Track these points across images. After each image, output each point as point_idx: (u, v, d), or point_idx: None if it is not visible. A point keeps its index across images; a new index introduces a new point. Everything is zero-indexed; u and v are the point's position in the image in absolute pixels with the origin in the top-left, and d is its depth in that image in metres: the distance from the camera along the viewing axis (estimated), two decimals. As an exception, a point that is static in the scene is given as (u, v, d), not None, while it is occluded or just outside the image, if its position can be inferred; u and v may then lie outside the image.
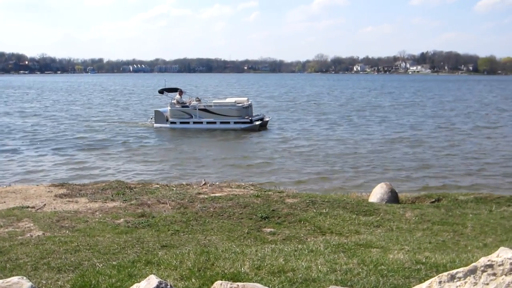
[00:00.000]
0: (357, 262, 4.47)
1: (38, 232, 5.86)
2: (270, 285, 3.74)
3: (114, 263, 4.55)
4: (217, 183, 9.71)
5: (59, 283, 4.03)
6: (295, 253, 4.85)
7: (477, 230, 6.35)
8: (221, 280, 3.88)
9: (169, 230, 6.11)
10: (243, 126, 24.30)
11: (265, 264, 4.38)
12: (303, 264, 4.38)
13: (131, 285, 3.67)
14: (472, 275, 3.73)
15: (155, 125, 25.48)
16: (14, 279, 3.18)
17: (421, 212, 7.25)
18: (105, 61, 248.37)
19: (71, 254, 4.88)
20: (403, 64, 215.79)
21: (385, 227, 6.50)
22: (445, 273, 3.81)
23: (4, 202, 7.93)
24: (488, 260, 3.73)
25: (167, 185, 9.48)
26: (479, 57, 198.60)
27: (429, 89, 75.61)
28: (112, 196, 8.25)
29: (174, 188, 8.86)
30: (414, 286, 3.96)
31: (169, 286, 3.16)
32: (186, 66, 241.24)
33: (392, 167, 15.74)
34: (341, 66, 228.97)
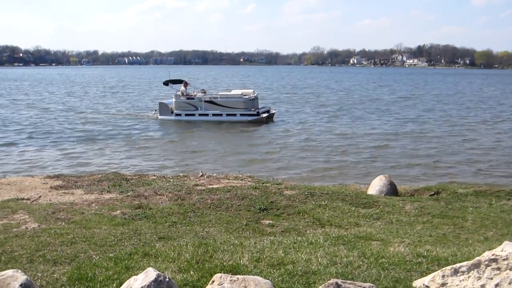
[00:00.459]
0: (357, 254, 4.42)
1: (33, 224, 5.77)
2: (270, 278, 3.67)
3: (111, 255, 4.48)
4: (215, 174, 9.63)
5: (55, 275, 3.95)
6: (295, 245, 4.79)
7: (478, 224, 6.30)
8: (220, 272, 3.82)
9: (166, 222, 6.03)
10: (249, 118, 24.10)
11: (264, 256, 4.32)
12: (302, 256, 4.33)
13: (129, 277, 3.59)
14: (476, 269, 3.68)
15: (160, 117, 25.26)
16: (9, 272, 3.10)
17: (421, 205, 7.19)
18: (100, 53, 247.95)
19: (67, 246, 4.80)
20: (399, 57, 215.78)
21: (384, 219, 6.45)
22: (448, 267, 3.76)
23: (-1, 193, 7.82)
24: (492, 255, 3.68)
25: (164, 176, 9.38)
26: (476, 50, 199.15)
27: (428, 82, 75.62)
28: (108, 187, 8.17)
29: (171, 180, 8.77)
30: (416, 279, 3.91)
31: (167, 279, 3.09)
32: (182, 58, 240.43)
33: (391, 159, 15.72)
34: (338, 58, 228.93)
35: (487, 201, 7.73)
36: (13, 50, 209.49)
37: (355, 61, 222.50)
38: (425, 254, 4.51)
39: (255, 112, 24.31)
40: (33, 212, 6.35)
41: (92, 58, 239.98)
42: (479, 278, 3.58)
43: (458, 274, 3.65)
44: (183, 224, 5.99)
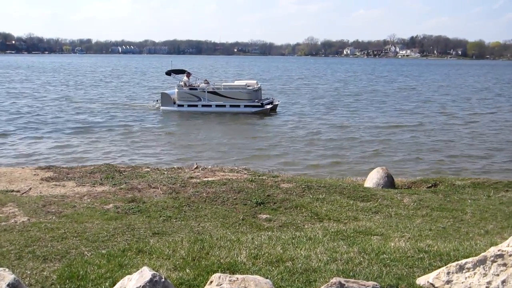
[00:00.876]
0: (357, 250, 4.31)
1: (23, 218, 5.58)
2: (269, 276, 3.55)
3: (103, 251, 4.32)
4: (210, 166, 9.45)
5: (45, 273, 3.79)
6: (293, 241, 4.67)
7: (477, 217, 6.21)
8: (217, 270, 3.68)
9: (160, 216, 5.86)
10: (253, 109, 23.75)
11: (263, 253, 4.19)
12: (302, 253, 4.20)
13: (122, 276, 3.44)
14: (481, 266, 3.57)
15: (162, 107, 24.85)
16: (-5, 271, 2.94)
17: (419, 198, 7.09)
18: (93, 41, 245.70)
19: (57, 242, 4.63)
20: (392, 48, 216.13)
21: (383, 213, 6.33)
22: (453, 264, 3.64)
23: (-12, 185, 7.61)
24: (498, 250, 3.56)
25: (157, 168, 9.19)
26: (468, 41, 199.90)
27: (421, 73, 75.69)
28: (101, 180, 7.96)
29: (165, 172, 8.59)
30: (419, 276, 3.79)
31: (163, 280, 2.94)
32: (176, 48, 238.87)
33: (389, 151, 15.64)
34: (331, 49, 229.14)
35: (485, 193, 7.65)
36: (6, 37, 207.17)
37: (349, 52, 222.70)
38: (427, 249, 4.40)
39: (259, 104, 23.97)
40: (22, 205, 6.15)
41: (86, 47, 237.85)
42: (485, 274, 3.47)
43: (464, 271, 3.54)
44: (178, 218, 5.83)
